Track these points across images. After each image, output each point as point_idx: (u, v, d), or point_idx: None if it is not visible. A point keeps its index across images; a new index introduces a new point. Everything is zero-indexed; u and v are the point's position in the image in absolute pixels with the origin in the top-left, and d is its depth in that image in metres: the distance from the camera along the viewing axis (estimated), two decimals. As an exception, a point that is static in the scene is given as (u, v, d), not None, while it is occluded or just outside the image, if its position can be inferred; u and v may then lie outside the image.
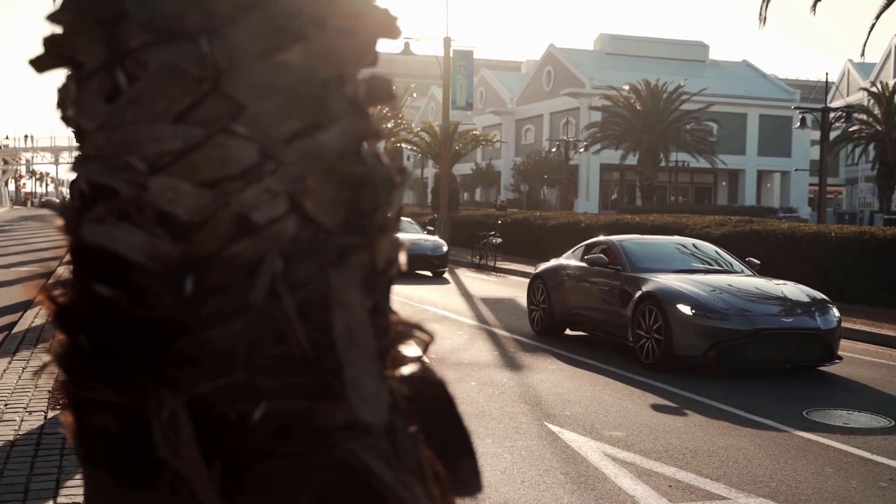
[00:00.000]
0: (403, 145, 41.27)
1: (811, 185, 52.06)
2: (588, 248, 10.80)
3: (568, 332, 10.92)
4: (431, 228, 22.34)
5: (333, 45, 1.22)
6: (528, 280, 19.32)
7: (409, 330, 1.30)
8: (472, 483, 1.24)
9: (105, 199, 1.14)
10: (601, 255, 10.07)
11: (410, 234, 20.66)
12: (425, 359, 1.31)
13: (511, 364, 8.65)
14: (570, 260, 11.01)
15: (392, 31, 1.30)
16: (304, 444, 1.15)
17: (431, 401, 1.31)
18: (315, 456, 1.16)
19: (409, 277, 17.65)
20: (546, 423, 6.16)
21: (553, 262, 11.45)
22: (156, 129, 1.13)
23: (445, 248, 19.86)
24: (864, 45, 16.52)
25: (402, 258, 1.28)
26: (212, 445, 1.13)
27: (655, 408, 6.87)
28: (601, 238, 11.23)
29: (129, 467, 1.18)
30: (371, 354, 1.17)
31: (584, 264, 10.41)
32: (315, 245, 1.16)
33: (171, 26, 1.14)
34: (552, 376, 8.03)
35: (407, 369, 1.28)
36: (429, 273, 19.27)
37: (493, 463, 5.19)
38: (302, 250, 1.15)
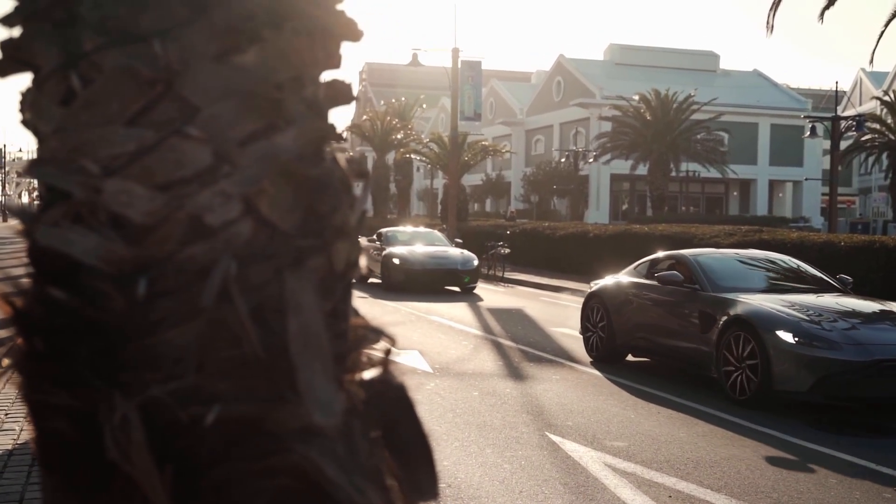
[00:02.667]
0: (413, 156, 41.34)
1: (823, 194, 51.85)
2: (653, 264, 9.73)
3: (617, 354, 9.82)
4: (460, 241, 21.19)
5: (290, 47, 1.21)
6: (535, 290, 19.40)
7: (369, 334, 1.29)
8: (429, 489, 1.23)
9: (60, 202, 1.14)
10: (674, 272, 8.91)
11: (437, 246, 19.44)
12: (388, 363, 1.30)
13: (515, 374, 8.63)
14: (632, 277, 9.87)
15: (353, 34, 1.29)
16: (258, 449, 1.14)
17: (391, 405, 1.30)
18: (270, 460, 1.15)
19: (439, 295, 17.04)
20: (547, 433, 6.13)
21: (611, 279, 10.24)
22: (109, 131, 1.12)
23: (476, 262, 18.62)
24: (873, 53, 16.52)
25: (363, 261, 1.27)
26: (164, 449, 1.12)
27: (659, 418, 6.84)
28: (669, 252, 10.09)
29: (83, 472, 1.17)
30: (326, 358, 1.16)
31: (651, 282, 9.28)
32: (271, 248, 1.16)
33: (124, 28, 1.14)
34: (556, 386, 8.00)
35: (367, 373, 1.27)
36: (457, 289, 18.21)
37: (492, 473, 5.17)
38: (257, 253, 1.15)
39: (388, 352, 1.28)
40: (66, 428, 1.16)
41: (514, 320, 13.31)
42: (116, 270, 1.11)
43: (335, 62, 1.30)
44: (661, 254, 10.12)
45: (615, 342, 9.52)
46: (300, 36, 1.23)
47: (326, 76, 1.29)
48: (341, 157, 1.28)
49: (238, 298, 1.11)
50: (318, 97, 1.25)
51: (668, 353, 8.83)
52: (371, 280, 19.06)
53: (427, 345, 10.28)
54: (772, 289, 8.71)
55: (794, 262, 9.90)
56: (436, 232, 21.85)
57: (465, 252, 18.95)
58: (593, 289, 10.35)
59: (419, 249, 18.56)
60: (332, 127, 1.27)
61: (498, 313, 14.26)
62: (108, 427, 1.11)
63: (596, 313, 9.88)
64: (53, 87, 1.16)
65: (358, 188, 1.33)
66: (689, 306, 8.51)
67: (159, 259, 1.12)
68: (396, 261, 17.88)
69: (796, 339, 7.24)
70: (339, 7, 1.30)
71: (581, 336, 10.14)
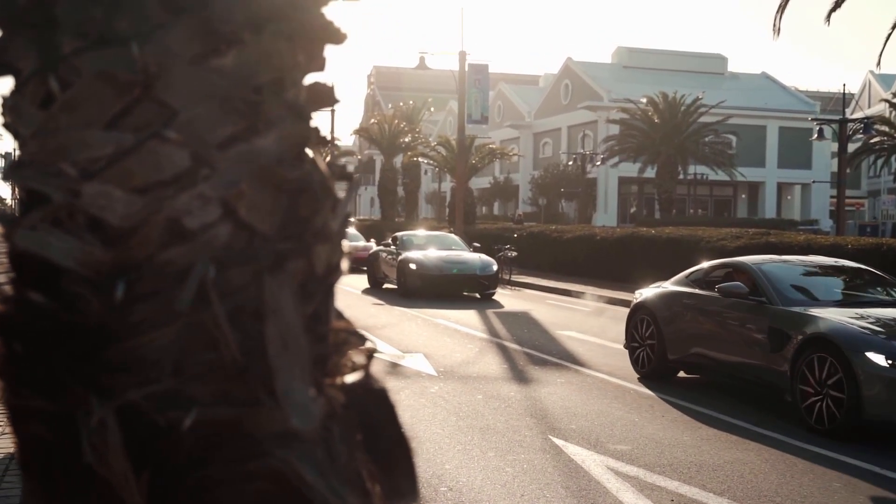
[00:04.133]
0: (421, 159, 41.35)
1: (832, 197, 51.71)
2: (707, 273, 8.87)
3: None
4: (478, 245, 20.22)
5: (271, 51, 1.21)
6: (542, 293, 19.34)
7: (350, 337, 1.29)
8: (409, 491, 1.22)
9: (39, 206, 1.13)
10: (737, 283, 7.99)
11: (455, 250, 18.72)
12: (370, 366, 1.30)
13: (519, 377, 8.61)
14: (683, 286, 8.96)
15: (335, 37, 1.29)
16: (236, 453, 1.14)
17: (372, 409, 1.30)
18: (248, 464, 1.14)
19: (457, 300, 16.56)
20: (550, 437, 6.12)
21: (660, 289, 9.31)
22: (88, 135, 1.12)
23: (495, 267, 17.91)
24: (880, 55, 16.49)
25: (345, 264, 1.26)
26: (142, 453, 1.12)
27: (663, 421, 6.82)
28: (725, 260, 9.25)
29: (61, 476, 1.17)
30: (304, 361, 1.15)
31: (708, 293, 8.39)
32: (250, 251, 1.15)
33: (102, 32, 1.13)
34: (560, 389, 7.98)
35: (348, 377, 1.27)
36: (477, 295, 17.40)
37: (494, 477, 5.16)
38: (236, 256, 1.14)
39: (370, 355, 1.27)
40: (44, 432, 1.16)
41: (520, 323, 13.29)
42: (94, 274, 1.11)
43: (319, 65, 1.30)
44: (714, 261, 9.37)
45: (666, 358, 8.59)
46: (281, 39, 1.22)
47: (310, 79, 1.29)
48: (322, 160, 1.27)
49: (216, 302, 1.10)
50: (299, 100, 1.25)
51: (729, 371, 7.89)
52: (386, 286, 18.75)
53: (432, 348, 10.27)
54: (847, 301, 7.84)
55: (863, 268, 8.93)
56: (453, 236, 21.24)
57: (484, 257, 18.28)
58: (639, 299, 9.41)
59: (436, 254, 18.00)
60: (316, 130, 1.26)
61: (504, 316, 14.24)
62: (86, 431, 1.11)
63: (644, 326, 8.97)
64: (33, 90, 1.16)
65: (343, 192, 1.32)
66: (755, 321, 7.61)
67: (137, 262, 1.12)
68: (413, 266, 17.37)
69: (889, 361, 6.44)
70: (323, 10, 1.29)
71: (626, 350, 9.24)
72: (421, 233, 21.04)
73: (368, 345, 1.31)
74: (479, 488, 4.95)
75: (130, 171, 1.15)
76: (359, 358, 1.30)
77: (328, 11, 1.32)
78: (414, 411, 6.79)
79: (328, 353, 1.25)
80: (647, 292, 9.46)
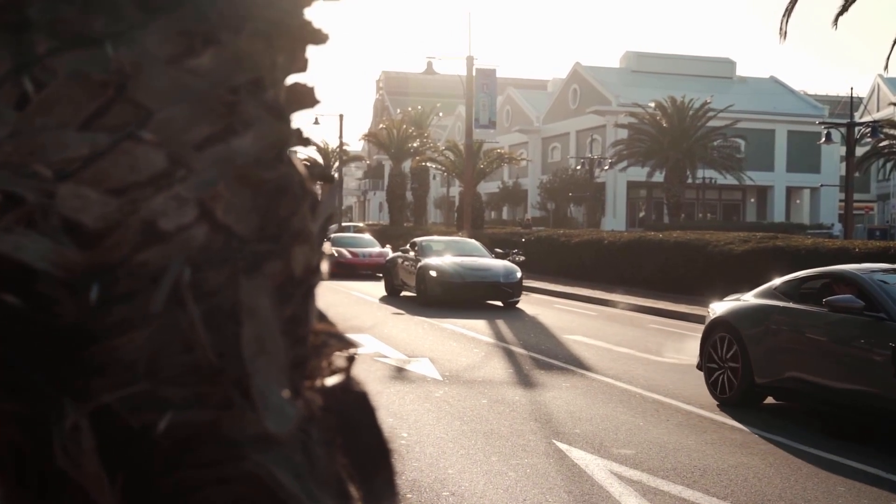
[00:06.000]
0: (429, 164, 41.38)
1: (841, 201, 51.59)
2: (802, 283, 7.92)
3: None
4: (500, 251, 19.43)
5: (248, 51, 1.20)
6: (549, 298, 19.27)
7: (331, 340, 1.28)
8: (388, 496, 1.21)
9: (14, 208, 1.13)
10: (849, 296, 6.96)
11: (477, 256, 18.06)
12: (350, 369, 1.29)
13: (525, 382, 8.59)
14: (774, 299, 7.87)
15: (316, 38, 1.28)
16: (212, 456, 1.13)
17: (352, 412, 1.29)
18: (224, 468, 1.14)
19: (479, 309, 16.09)
20: (554, 441, 6.10)
21: (741, 301, 8.28)
22: (62, 135, 1.12)
23: (519, 274, 17.15)
24: (888, 59, 16.37)
25: (325, 266, 1.26)
26: (116, 457, 1.11)
27: (668, 426, 6.79)
28: (824, 269, 8.23)
29: (34, 480, 1.16)
30: (281, 364, 1.15)
31: (810, 308, 7.40)
32: (226, 252, 1.14)
33: (76, 32, 1.13)
34: (565, 394, 7.96)
35: (328, 380, 1.26)
36: (500, 303, 16.91)
37: (497, 481, 5.14)
38: (213, 258, 1.14)
39: (351, 358, 1.27)
40: (16, 435, 1.15)
41: (526, 328, 13.27)
42: (69, 275, 1.10)
43: (301, 66, 1.29)
44: (809, 271, 8.34)
45: (753, 382, 7.56)
46: (259, 39, 1.22)
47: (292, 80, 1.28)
48: (300, 162, 1.27)
49: (190, 303, 1.10)
50: (278, 101, 1.24)
51: (837, 400, 6.92)
52: (404, 293, 18.30)
53: (438, 352, 10.26)
54: None
55: None
56: (474, 241, 20.46)
57: (507, 263, 17.69)
58: (717, 314, 8.33)
59: (457, 260, 17.28)
60: (297, 131, 1.26)
61: (511, 320, 14.22)
62: (59, 435, 1.10)
63: (725, 346, 7.91)
64: (8, 91, 1.15)
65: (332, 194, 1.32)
66: (873, 340, 6.65)
67: (112, 264, 1.11)
68: (433, 273, 16.69)
69: None
70: (304, 11, 1.29)
71: (701, 372, 8.30)
72: (441, 238, 20.40)
73: (351, 348, 1.30)
74: (481, 493, 4.93)
75: (106, 173, 1.14)
76: (340, 360, 1.29)
77: (311, 12, 1.31)
78: (418, 416, 6.78)
79: (307, 356, 1.24)
80: (724, 306, 8.42)
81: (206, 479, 1.14)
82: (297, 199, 1.23)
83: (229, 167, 1.17)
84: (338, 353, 1.31)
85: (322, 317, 1.32)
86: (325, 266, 1.28)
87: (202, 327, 1.11)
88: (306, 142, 1.32)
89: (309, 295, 1.23)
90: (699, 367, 8.37)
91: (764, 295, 8.07)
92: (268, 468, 1.12)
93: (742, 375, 7.63)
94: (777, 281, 8.22)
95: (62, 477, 1.12)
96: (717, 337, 8.08)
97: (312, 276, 1.24)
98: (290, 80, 1.27)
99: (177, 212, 1.13)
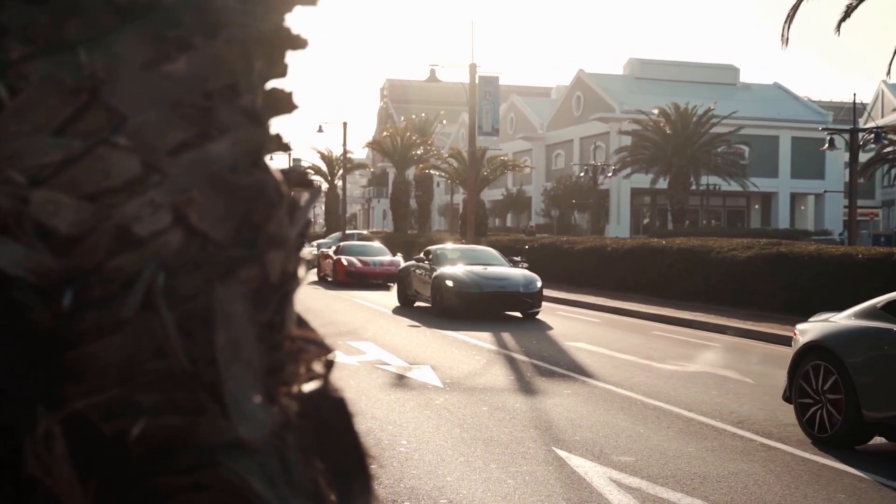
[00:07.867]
0: (433, 171, 41.40)
1: (845, 207, 51.50)
2: None
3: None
4: (518, 259, 18.78)
5: (224, 56, 1.20)
6: (552, 305, 19.17)
7: (308, 346, 1.28)
8: (365, 501, 1.21)
9: (-11, 214, 1.13)
10: None
11: (494, 265, 17.41)
12: (329, 374, 1.28)
13: (526, 389, 8.58)
14: (883, 321, 6.73)
15: (296, 43, 1.28)
16: (186, 463, 1.13)
17: (329, 418, 1.28)
18: (198, 474, 1.13)
19: (498, 320, 15.48)
20: (554, 448, 6.08)
21: (837, 324, 7.10)
22: (36, 141, 1.12)
23: (539, 284, 16.41)
24: (890, 64, 16.34)
25: (302, 272, 1.25)
26: (88, 464, 1.11)
27: (669, 433, 6.77)
28: None
29: (7, 487, 1.16)
30: (255, 370, 1.14)
31: None
32: (201, 257, 1.14)
33: (49, 37, 1.13)
34: (566, 401, 7.95)
35: (305, 386, 1.25)
36: (519, 314, 16.20)
37: (495, 489, 5.13)
38: (187, 263, 1.13)
39: (328, 364, 1.26)
40: (-10, 441, 1.15)
41: (529, 335, 13.25)
42: (43, 281, 1.10)
43: (280, 71, 1.29)
44: None
45: (860, 418, 6.43)
46: (234, 44, 1.22)
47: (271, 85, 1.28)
48: (276, 167, 1.27)
49: (163, 309, 1.10)
50: (255, 106, 1.24)
51: None
52: (418, 304, 17.75)
53: (439, 359, 10.25)
54: None
55: None
56: (491, 249, 19.58)
57: (527, 272, 17.00)
58: (808, 338, 7.14)
59: (475, 269, 16.54)
60: (276, 136, 1.26)
61: (513, 327, 14.20)
62: (30, 441, 1.10)
63: (821, 375, 6.84)
64: (-17, 97, 1.15)
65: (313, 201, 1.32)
66: None
67: (87, 270, 1.11)
68: (450, 283, 15.99)
69: None
70: (282, 16, 1.29)
71: (791, 405, 7.21)
72: (456, 246, 19.66)
73: (329, 353, 1.30)
74: (479, 500, 4.92)
75: (80, 178, 1.14)
76: (318, 366, 1.29)
77: (288, 17, 1.31)
78: (418, 423, 6.77)
79: (284, 362, 1.24)
80: (816, 329, 7.25)
81: (180, 486, 1.13)
82: (272, 205, 1.23)
83: (204, 172, 1.17)
84: (316, 358, 1.31)
85: (301, 322, 1.32)
86: (302, 272, 1.27)
87: (176, 333, 1.11)
88: (286, 147, 1.32)
89: (286, 300, 1.23)
90: (786, 398, 7.31)
91: (868, 316, 6.93)
92: (242, 475, 1.12)
93: (847, 410, 6.55)
94: (881, 300, 7.05)
95: (33, 483, 1.12)
96: (810, 365, 7.00)
97: (289, 282, 1.24)
98: (270, 85, 1.27)
99: (151, 217, 1.13)
